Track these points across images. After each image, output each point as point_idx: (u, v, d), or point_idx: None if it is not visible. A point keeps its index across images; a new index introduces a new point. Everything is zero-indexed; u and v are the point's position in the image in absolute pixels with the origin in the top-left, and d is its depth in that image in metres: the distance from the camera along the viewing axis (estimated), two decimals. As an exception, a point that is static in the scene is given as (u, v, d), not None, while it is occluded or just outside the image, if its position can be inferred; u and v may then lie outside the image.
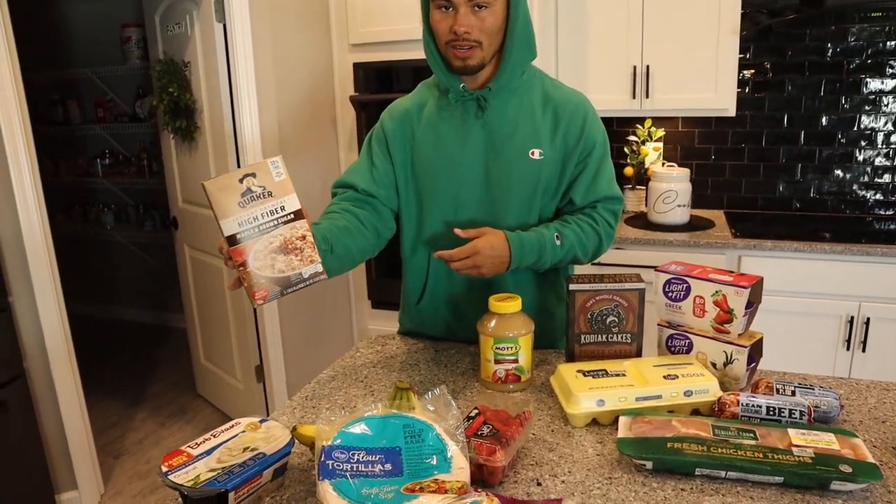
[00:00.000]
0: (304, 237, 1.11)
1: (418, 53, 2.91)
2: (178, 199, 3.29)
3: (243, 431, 1.08)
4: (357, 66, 3.05)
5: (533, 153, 1.40)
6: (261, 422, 1.10)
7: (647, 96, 2.89)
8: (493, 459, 1.00)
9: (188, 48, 2.84)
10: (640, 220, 3.01)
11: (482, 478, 1.01)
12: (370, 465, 0.94)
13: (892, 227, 2.84)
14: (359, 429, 0.98)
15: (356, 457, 0.95)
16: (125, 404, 3.60)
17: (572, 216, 1.45)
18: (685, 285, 1.32)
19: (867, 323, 2.53)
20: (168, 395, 3.70)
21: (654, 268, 1.39)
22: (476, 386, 1.37)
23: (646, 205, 3.20)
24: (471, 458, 0.99)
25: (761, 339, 1.32)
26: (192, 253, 3.30)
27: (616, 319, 1.33)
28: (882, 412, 1.23)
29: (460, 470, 0.94)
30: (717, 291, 1.27)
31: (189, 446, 1.03)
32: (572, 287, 1.32)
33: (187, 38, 2.82)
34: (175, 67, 2.87)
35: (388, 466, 0.94)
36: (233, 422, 1.11)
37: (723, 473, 1.00)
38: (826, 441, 1.03)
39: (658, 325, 1.38)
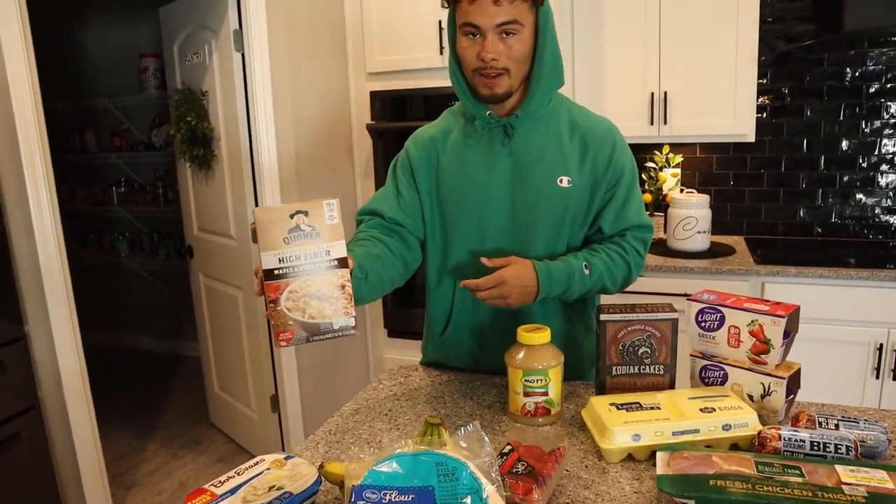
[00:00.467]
0: (343, 287, 1.06)
1: (433, 82, 2.95)
2: (193, 228, 3.29)
3: (268, 469, 1.04)
4: (374, 95, 3.07)
5: (561, 181, 1.38)
6: (286, 458, 1.07)
7: (665, 122, 2.88)
8: (529, 499, 0.96)
9: (206, 77, 2.85)
10: (660, 247, 2.98)
11: (518, 518, 0.97)
12: (402, 506, 0.90)
13: (917, 252, 2.79)
14: (389, 467, 0.94)
15: (388, 497, 0.91)
16: (137, 434, 3.57)
17: (601, 245, 1.43)
18: (719, 315, 1.28)
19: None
20: (181, 424, 3.66)
21: (685, 295, 1.36)
22: (504, 419, 1.33)
23: (664, 231, 3.17)
24: (506, 498, 0.95)
25: (799, 370, 1.27)
26: (206, 281, 3.29)
27: (648, 350, 1.30)
28: (931, 447, 1.18)
29: (497, 510, 0.90)
30: (753, 321, 1.24)
31: (213, 485, 1.00)
32: (603, 317, 1.29)
33: (205, 67, 2.84)
34: (193, 97, 2.88)
35: (422, 506, 0.90)
36: (257, 458, 1.07)
37: (770, 513, 0.96)
38: (878, 479, 0.98)
39: (691, 356, 1.34)
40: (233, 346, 3.15)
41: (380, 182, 3.10)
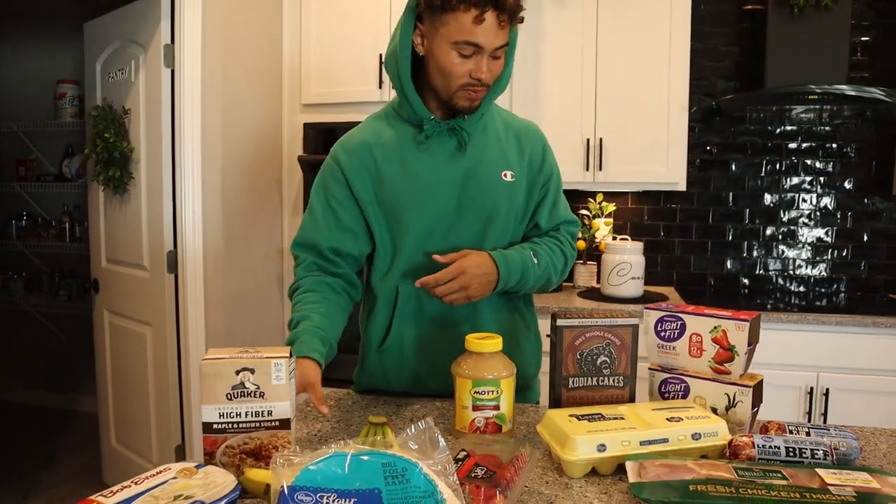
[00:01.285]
0: (279, 449, 1.01)
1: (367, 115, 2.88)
2: (101, 259, 3.02)
3: (174, 478, 0.87)
4: (307, 127, 2.96)
5: (506, 175, 1.38)
6: (197, 467, 0.90)
7: (601, 168, 2.90)
8: (492, 505, 0.82)
9: (130, 95, 2.68)
10: (593, 294, 2.95)
11: (478, 529, 0.83)
12: (342, 509, 0.75)
13: (838, 300, 2.87)
14: (326, 467, 0.79)
15: (325, 499, 0.76)
16: (19, 497, 3.14)
17: (538, 239, 1.45)
18: (680, 322, 1.21)
19: (826, 394, 2.49)
20: (69, 484, 3.25)
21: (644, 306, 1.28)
22: (450, 440, 1.19)
23: (597, 280, 3.15)
24: (465, 505, 0.82)
25: (762, 381, 1.21)
26: (111, 319, 3.00)
27: (608, 360, 1.20)
28: (900, 458, 1.12)
29: (457, 513, 0.77)
30: (716, 327, 1.17)
31: (102, 495, 0.81)
32: (560, 322, 1.19)
33: (130, 84, 2.67)
34: (113, 114, 2.70)
35: (366, 510, 0.75)
36: (161, 467, 0.89)
37: (756, 520, 0.86)
38: (862, 479, 0.90)
39: (650, 369, 1.26)
40: (136, 392, 2.85)
41: (310, 217, 2.97)
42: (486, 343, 1.18)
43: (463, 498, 0.80)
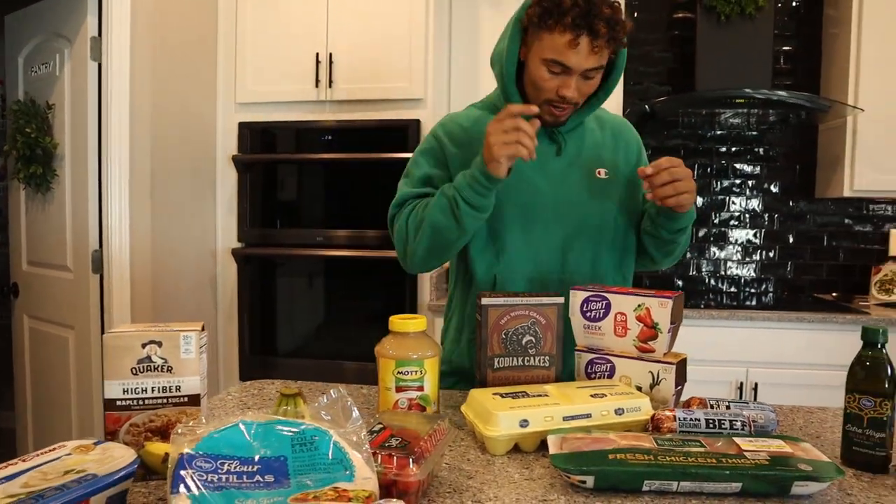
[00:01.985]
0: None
1: (308, 115, 2.85)
2: (22, 262, 2.87)
3: (69, 454, 0.81)
4: (242, 126, 2.90)
5: (599, 172, 1.41)
6: (96, 444, 0.84)
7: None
8: (405, 474, 0.79)
9: (55, 89, 2.57)
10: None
11: (391, 501, 0.80)
12: (244, 477, 0.71)
13: (766, 298, 2.96)
14: (231, 435, 0.76)
15: (226, 467, 0.72)
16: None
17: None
18: (605, 302, 1.22)
19: (755, 388, 2.55)
20: (-16, 500, 3.06)
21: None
22: (370, 421, 1.16)
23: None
24: (379, 475, 0.79)
25: (685, 360, 1.22)
26: (32, 324, 2.85)
27: (533, 339, 1.19)
28: (813, 430, 1.15)
29: (366, 480, 0.74)
30: (639, 305, 1.18)
31: (-14, 473, 0.75)
32: (485, 301, 1.18)
33: (55, 78, 2.57)
34: (36, 109, 2.58)
35: (270, 478, 0.72)
36: (57, 444, 0.84)
37: (674, 485, 0.86)
38: (777, 446, 0.91)
39: (576, 350, 1.25)
40: (58, 401, 2.71)
41: (243, 220, 2.90)
42: (409, 323, 1.15)
43: (374, 466, 0.77)
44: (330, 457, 0.76)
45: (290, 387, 0.92)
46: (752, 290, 3.19)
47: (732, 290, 3.19)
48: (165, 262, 2.68)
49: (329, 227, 2.84)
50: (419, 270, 1.42)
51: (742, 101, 2.80)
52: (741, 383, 2.56)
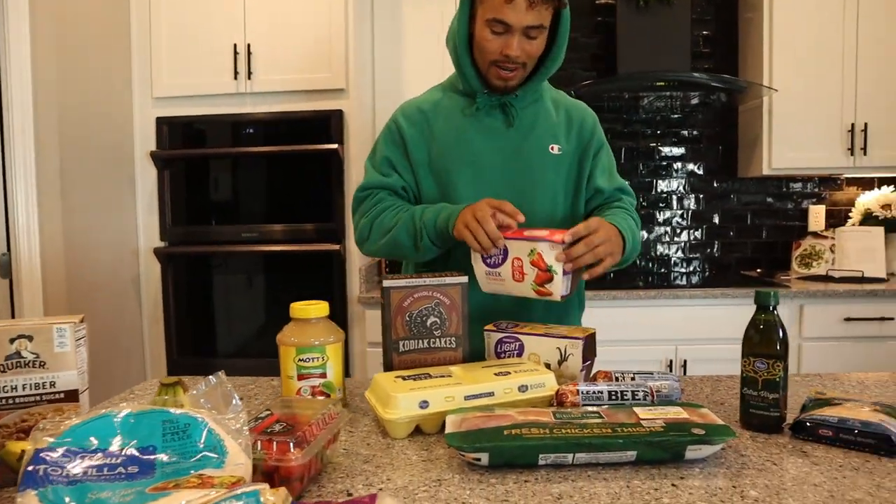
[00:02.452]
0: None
1: (228, 108, 2.76)
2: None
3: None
4: (161, 121, 2.79)
5: (552, 148, 1.42)
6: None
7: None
8: (286, 460, 0.76)
9: (-55, 85, 2.42)
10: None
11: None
12: (105, 469, 0.67)
13: (694, 278, 3.02)
14: (95, 428, 0.71)
15: (86, 460, 0.67)
16: None
17: (609, 209, 1.43)
18: (503, 248, 1.19)
19: (685, 365, 2.60)
20: None
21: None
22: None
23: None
24: (258, 463, 0.75)
25: (594, 334, 1.22)
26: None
27: (438, 321, 1.17)
28: (718, 397, 1.16)
29: (237, 466, 0.70)
30: (532, 251, 1.15)
31: None
32: (386, 284, 1.15)
33: (-56, 73, 2.41)
34: (-74, 107, 2.42)
35: (134, 469, 0.68)
36: None
37: (570, 458, 0.84)
38: (674, 412, 0.91)
39: (485, 330, 1.23)
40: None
41: (164, 218, 2.79)
42: (311, 308, 1.11)
43: (251, 453, 0.73)
44: (202, 444, 0.73)
45: (169, 377, 0.87)
46: (682, 270, 3.25)
47: (662, 270, 3.25)
48: (81, 264, 2.56)
49: (255, 221, 2.76)
50: (372, 255, 1.48)
51: (662, 84, 2.85)
52: (671, 361, 2.60)
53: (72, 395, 0.89)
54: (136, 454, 0.70)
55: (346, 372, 2.71)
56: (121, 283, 2.80)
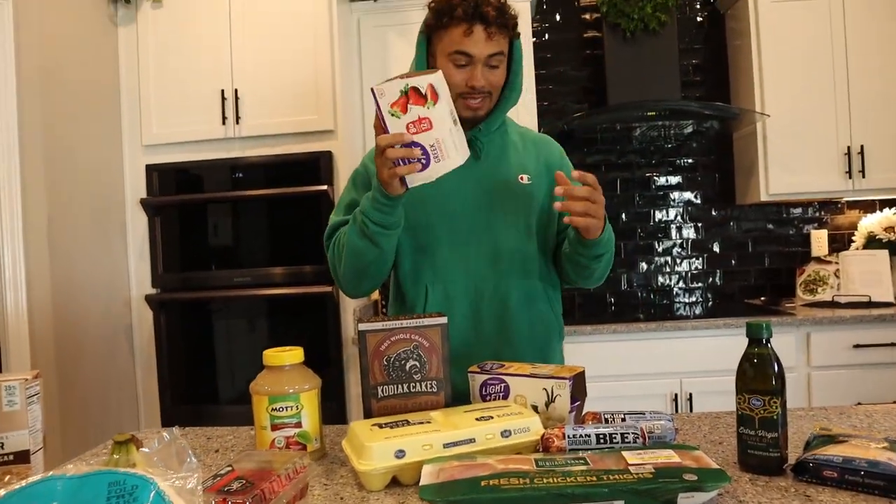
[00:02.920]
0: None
1: (216, 153, 2.75)
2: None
3: None
4: (150, 168, 2.78)
5: (522, 178, 1.43)
6: None
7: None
8: (239, 523, 0.70)
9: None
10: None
11: (227, 555, 0.70)
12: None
13: (696, 307, 2.95)
14: (33, 495, 0.66)
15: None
16: None
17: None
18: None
19: (690, 399, 2.52)
20: None
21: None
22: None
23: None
24: (209, 528, 0.69)
25: (583, 372, 1.16)
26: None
27: (417, 364, 1.12)
28: (717, 436, 1.09)
29: (183, 534, 0.64)
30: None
31: None
32: (362, 327, 1.10)
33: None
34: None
35: (68, 541, 0.62)
36: None
37: (551, 510, 0.78)
38: (665, 456, 0.85)
39: (469, 372, 1.18)
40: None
41: (156, 265, 2.76)
42: (285, 355, 1.07)
43: (203, 518, 0.68)
44: (148, 510, 0.67)
45: (123, 433, 0.82)
46: (684, 301, 3.19)
47: (664, 301, 3.18)
48: (70, 315, 2.51)
49: (248, 265, 2.72)
50: (354, 294, 1.44)
51: (654, 113, 2.83)
52: (676, 394, 2.52)
53: (22, 457, 0.84)
54: (74, 523, 0.65)
55: (343, 418, 2.66)
56: (112, 332, 2.75)
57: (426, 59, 1.40)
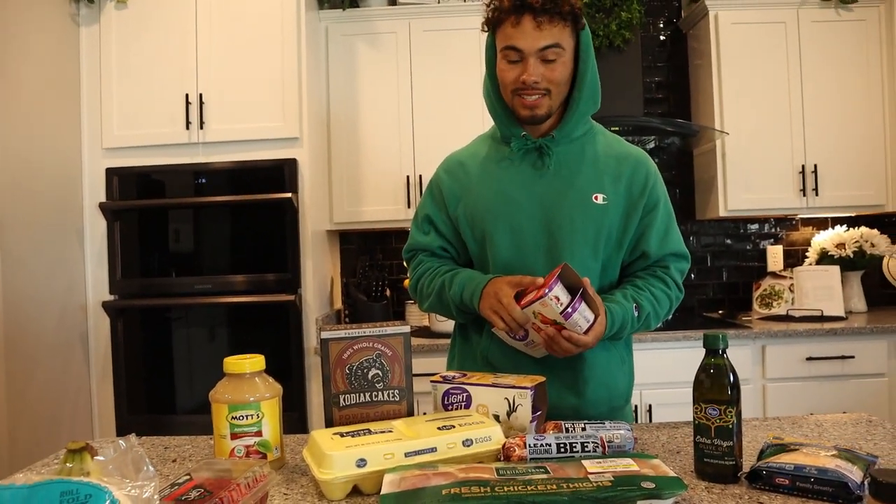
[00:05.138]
0: None
1: (180, 158, 2.71)
2: None
3: None
4: (111, 172, 2.73)
5: (596, 198, 1.31)
6: None
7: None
8: (196, 533, 0.69)
9: None
10: (424, 332, 2.89)
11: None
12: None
13: (657, 323, 3.00)
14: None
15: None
16: None
17: (644, 279, 1.35)
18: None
19: (650, 410, 2.55)
20: None
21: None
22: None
23: (429, 319, 3.11)
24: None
25: (544, 382, 1.17)
26: None
27: (380, 373, 1.11)
28: (675, 445, 1.11)
29: (136, 545, 0.63)
30: (534, 314, 1.14)
31: None
32: (325, 335, 1.09)
33: None
34: None
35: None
36: None
37: (511, 518, 0.78)
38: (624, 465, 0.87)
39: (432, 382, 1.18)
40: None
41: (114, 271, 2.70)
42: (245, 363, 1.05)
43: (158, 529, 0.67)
44: (102, 520, 0.65)
45: (77, 441, 0.80)
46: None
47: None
48: (22, 321, 2.44)
49: (209, 272, 2.68)
50: None
51: (616, 129, 2.87)
52: (636, 406, 2.55)
53: None
54: (23, 534, 0.63)
55: (304, 428, 2.63)
56: (67, 339, 2.67)
57: (494, 58, 1.32)
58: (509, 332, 1.20)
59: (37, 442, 2.46)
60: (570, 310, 1.11)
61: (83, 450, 0.78)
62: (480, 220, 1.35)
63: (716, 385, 0.93)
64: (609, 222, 1.32)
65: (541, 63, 1.25)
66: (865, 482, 0.85)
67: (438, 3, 2.99)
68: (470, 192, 1.37)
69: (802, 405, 2.62)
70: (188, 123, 2.67)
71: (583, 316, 1.13)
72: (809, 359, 2.62)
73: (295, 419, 2.63)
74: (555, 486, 0.80)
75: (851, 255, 2.99)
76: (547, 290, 1.10)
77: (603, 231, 1.32)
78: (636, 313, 1.28)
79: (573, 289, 1.15)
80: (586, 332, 1.16)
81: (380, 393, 1.10)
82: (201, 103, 2.67)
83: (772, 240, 3.28)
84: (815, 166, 2.91)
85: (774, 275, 3.12)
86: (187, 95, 2.67)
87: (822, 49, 2.93)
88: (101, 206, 2.70)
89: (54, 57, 2.65)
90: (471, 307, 1.27)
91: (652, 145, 3.23)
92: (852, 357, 2.62)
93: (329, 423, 1.09)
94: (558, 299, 1.10)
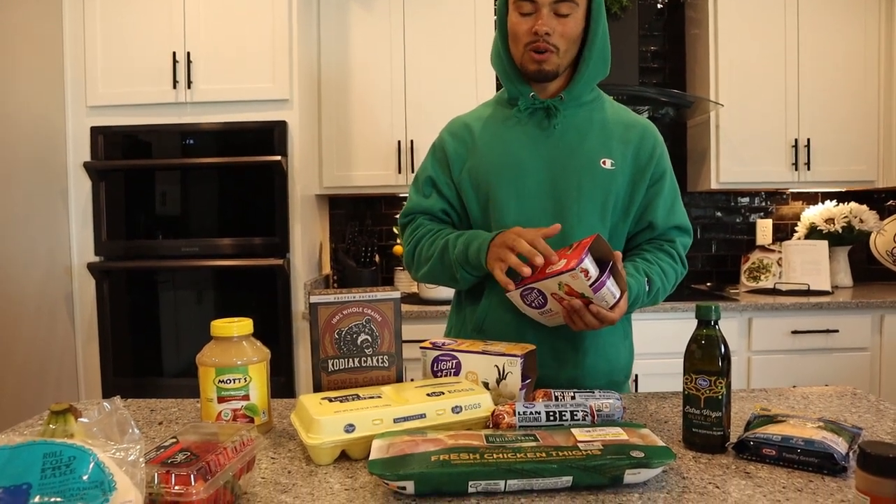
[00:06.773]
0: None
1: (167, 118, 2.66)
2: None
3: None
4: (96, 130, 2.67)
5: (604, 162, 1.29)
6: None
7: (413, 170, 2.87)
8: (186, 493, 0.68)
9: None
10: (413, 299, 2.89)
11: (170, 528, 0.68)
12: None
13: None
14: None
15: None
16: None
17: (652, 252, 1.33)
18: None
19: (636, 380, 2.57)
20: None
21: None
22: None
23: (418, 286, 3.10)
24: (156, 497, 0.67)
25: (534, 351, 1.17)
26: None
27: (369, 338, 1.10)
28: (663, 415, 1.11)
29: (125, 504, 0.62)
30: (560, 284, 1.08)
31: None
32: (314, 300, 1.08)
33: None
34: None
35: (-2, 514, 0.59)
36: None
37: (501, 485, 0.78)
38: (613, 433, 0.86)
39: (421, 348, 1.17)
40: None
41: (99, 232, 2.66)
42: (233, 326, 1.04)
43: (144, 487, 0.66)
44: (86, 479, 0.64)
45: (61, 402, 0.78)
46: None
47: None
48: (5, 282, 2.41)
49: (197, 235, 2.65)
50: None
51: (612, 98, 2.84)
52: (621, 376, 2.58)
53: None
54: (7, 494, 0.62)
55: (291, 393, 2.63)
56: (52, 301, 2.65)
57: (506, 15, 1.30)
58: (525, 300, 1.15)
59: (21, 404, 2.45)
60: (598, 284, 1.08)
61: (67, 411, 0.77)
62: (485, 182, 1.31)
63: (707, 356, 0.93)
64: (616, 188, 1.30)
65: (554, 17, 1.24)
66: (850, 454, 0.86)
67: (433, -37, 2.91)
68: (475, 153, 1.35)
69: (786, 378, 2.65)
70: (175, 83, 2.61)
71: (610, 291, 1.10)
72: (795, 332, 2.64)
73: (282, 384, 2.64)
74: (544, 454, 0.80)
75: (840, 231, 3.00)
76: (577, 263, 1.05)
77: (611, 197, 1.29)
78: (647, 287, 1.26)
79: (600, 262, 1.12)
80: (612, 308, 1.12)
81: (369, 358, 1.10)
82: (189, 62, 2.60)
83: (762, 213, 3.29)
84: (808, 140, 2.90)
85: (763, 248, 3.13)
86: (174, 54, 2.60)
87: (820, 22, 2.90)
88: (86, 166, 2.65)
89: (35, 11, 2.57)
90: (477, 263, 1.22)
91: (646, 115, 3.21)
92: (836, 331, 2.65)
93: (317, 387, 1.09)
94: (587, 273, 1.06)
